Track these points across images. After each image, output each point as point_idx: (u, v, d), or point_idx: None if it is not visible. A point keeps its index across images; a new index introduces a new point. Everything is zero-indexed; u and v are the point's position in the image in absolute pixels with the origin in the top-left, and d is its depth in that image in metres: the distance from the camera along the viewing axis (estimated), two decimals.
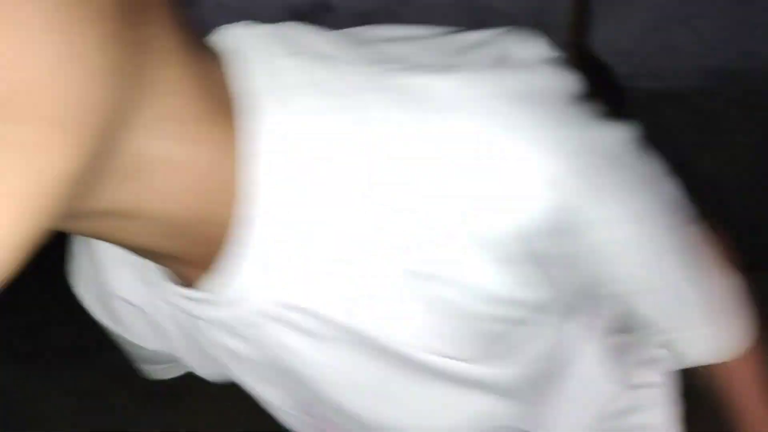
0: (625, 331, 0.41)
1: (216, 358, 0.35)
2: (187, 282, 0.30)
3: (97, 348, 0.68)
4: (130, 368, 0.48)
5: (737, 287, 0.39)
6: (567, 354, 0.37)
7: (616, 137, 0.28)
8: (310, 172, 0.26)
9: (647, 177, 0.30)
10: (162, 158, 0.22)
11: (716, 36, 1.58)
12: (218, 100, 0.24)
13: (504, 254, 0.27)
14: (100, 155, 0.19)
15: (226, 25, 0.27)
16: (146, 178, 0.22)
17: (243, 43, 0.26)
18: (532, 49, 0.27)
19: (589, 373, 0.40)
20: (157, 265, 0.32)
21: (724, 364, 0.40)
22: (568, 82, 0.27)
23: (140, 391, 1.17)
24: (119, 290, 0.37)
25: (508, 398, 0.35)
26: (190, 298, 0.30)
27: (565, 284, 0.31)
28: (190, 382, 0.48)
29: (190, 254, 0.28)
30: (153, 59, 0.20)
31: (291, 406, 0.38)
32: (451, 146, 0.25)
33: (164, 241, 0.26)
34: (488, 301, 0.28)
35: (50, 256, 0.31)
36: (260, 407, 0.41)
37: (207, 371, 0.40)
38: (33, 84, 0.16)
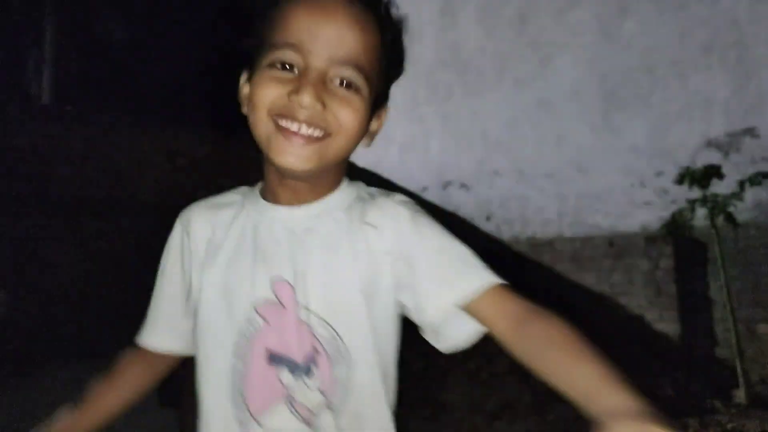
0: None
1: (248, 246, 0.70)
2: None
3: None
4: None
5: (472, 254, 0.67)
6: None
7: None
8: (352, 195, 0.72)
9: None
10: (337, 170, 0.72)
11: None
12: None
13: None
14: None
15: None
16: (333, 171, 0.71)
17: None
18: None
19: None
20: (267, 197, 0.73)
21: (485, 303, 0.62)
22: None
23: None
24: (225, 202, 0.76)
25: None
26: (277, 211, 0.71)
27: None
28: None
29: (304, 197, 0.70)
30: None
31: (263, 283, 0.68)
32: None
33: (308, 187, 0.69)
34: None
35: None
36: None
37: (212, 286, 0.71)
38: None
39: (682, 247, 3.77)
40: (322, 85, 0.61)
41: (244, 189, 0.77)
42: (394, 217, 0.68)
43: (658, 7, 4.07)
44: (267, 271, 0.67)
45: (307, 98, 0.60)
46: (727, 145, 3.79)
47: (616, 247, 4.06)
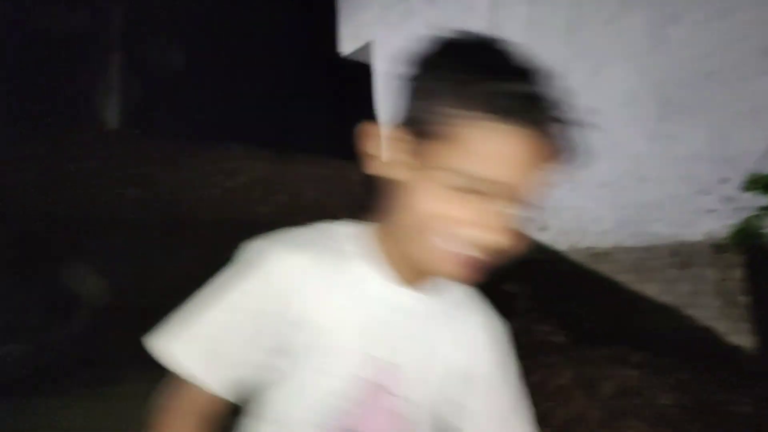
0: None
1: (350, 324, 0.63)
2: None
3: None
4: None
5: None
6: None
7: None
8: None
9: None
10: None
11: None
12: None
13: None
14: None
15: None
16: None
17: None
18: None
19: None
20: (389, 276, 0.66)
21: None
22: None
23: None
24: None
25: None
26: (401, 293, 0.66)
27: None
28: None
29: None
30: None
31: (366, 362, 0.63)
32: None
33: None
34: None
35: None
36: None
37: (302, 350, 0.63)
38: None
39: (753, 256, 3.62)
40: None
41: (340, 241, 0.66)
42: (494, 349, 0.72)
43: (707, 12, 3.98)
44: (373, 351, 0.63)
45: (503, 241, 0.56)
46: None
47: (680, 256, 3.94)
